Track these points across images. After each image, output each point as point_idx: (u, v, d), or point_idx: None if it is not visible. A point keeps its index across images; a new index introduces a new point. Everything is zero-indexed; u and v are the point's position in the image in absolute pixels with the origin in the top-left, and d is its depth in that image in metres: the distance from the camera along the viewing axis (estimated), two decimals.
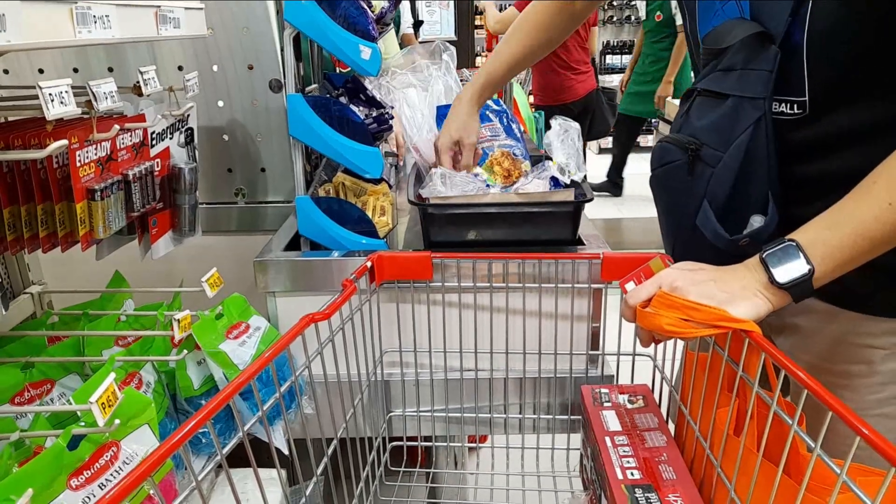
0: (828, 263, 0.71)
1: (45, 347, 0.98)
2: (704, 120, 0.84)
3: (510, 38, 1.28)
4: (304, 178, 1.20)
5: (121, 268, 1.13)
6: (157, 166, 1.03)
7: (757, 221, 0.81)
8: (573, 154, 1.22)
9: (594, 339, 1.13)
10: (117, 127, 0.87)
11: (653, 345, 0.99)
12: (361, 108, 1.27)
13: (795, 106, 0.79)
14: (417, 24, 3.63)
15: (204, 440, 0.96)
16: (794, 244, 0.72)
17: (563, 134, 1.22)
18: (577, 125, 1.27)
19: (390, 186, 1.37)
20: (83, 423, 0.72)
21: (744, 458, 0.71)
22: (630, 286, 0.82)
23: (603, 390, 1.02)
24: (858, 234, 0.70)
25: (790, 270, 0.71)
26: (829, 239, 0.71)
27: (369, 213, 1.23)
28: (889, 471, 0.51)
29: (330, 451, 0.89)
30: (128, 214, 0.94)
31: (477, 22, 6.94)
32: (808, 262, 0.71)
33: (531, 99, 4.46)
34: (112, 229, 0.90)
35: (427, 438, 1.19)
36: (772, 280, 0.72)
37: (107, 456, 0.73)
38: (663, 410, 0.99)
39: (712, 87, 0.84)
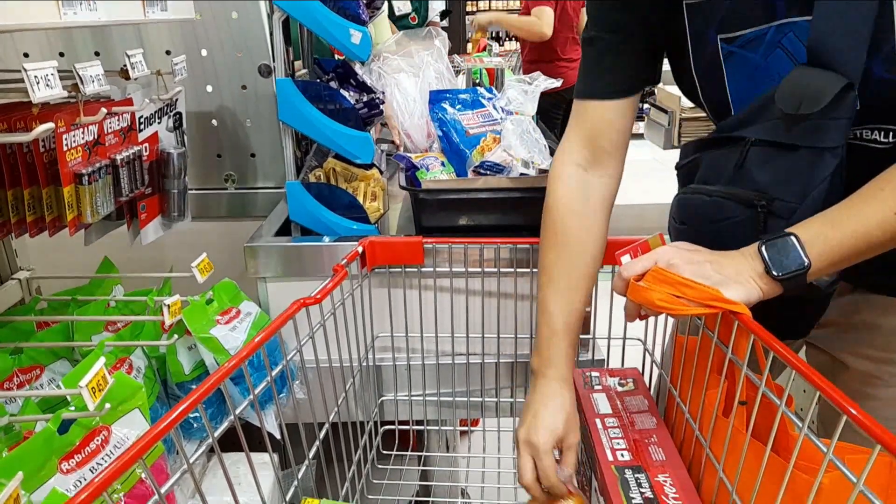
0: (824, 260, 0.71)
1: (33, 333, 0.97)
2: (771, 173, 0.78)
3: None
4: (295, 164, 1.19)
5: (110, 254, 1.13)
6: (146, 151, 1.02)
7: None
8: (535, 146, 1.23)
9: (585, 323, 1.13)
10: (104, 110, 0.86)
11: (643, 328, 1.00)
12: (352, 92, 1.26)
13: (892, 134, 0.76)
14: (445, 13, 3.56)
15: (195, 424, 0.96)
16: (795, 238, 0.72)
17: (519, 131, 1.23)
18: (528, 119, 1.28)
19: (381, 172, 1.37)
20: (73, 408, 0.72)
21: (732, 439, 0.72)
22: (625, 259, 0.82)
23: (593, 374, 1.02)
24: (859, 236, 0.70)
25: (787, 263, 0.71)
26: (829, 237, 0.71)
27: (360, 199, 1.23)
28: (874, 448, 0.52)
29: (322, 434, 0.90)
30: (116, 199, 0.93)
31: (468, 7, 6.90)
32: (806, 256, 0.71)
33: None
34: (100, 214, 0.89)
35: (419, 422, 1.19)
36: (767, 270, 0.72)
37: (97, 440, 0.73)
38: (653, 393, 1.00)
39: (776, 137, 0.77)
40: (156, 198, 1.10)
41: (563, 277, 0.92)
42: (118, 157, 0.93)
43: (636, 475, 0.80)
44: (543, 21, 3.67)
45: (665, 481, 0.79)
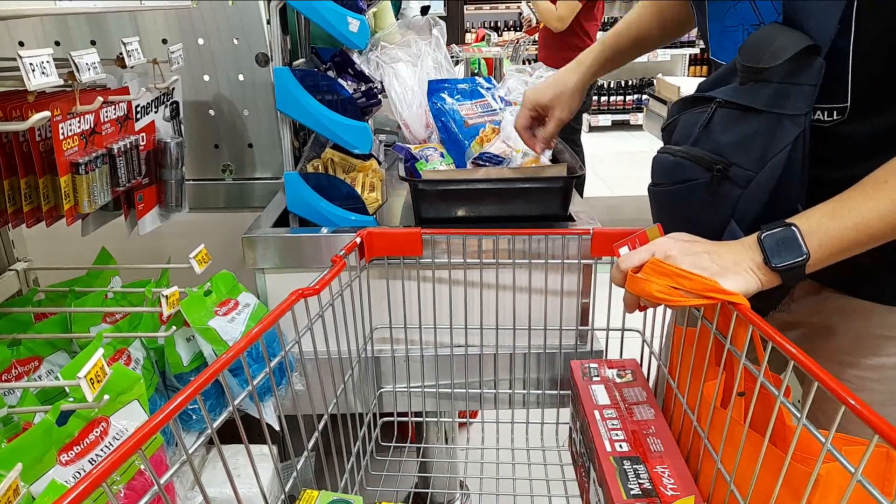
0: (823, 251, 0.71)
1: (31, 324, 0.97)
2: (731, 136, 0.77)
3: (639, 9, 1.13)
4: (293, 154, 1.19)
5: (107, 245, 1.12)
6: (143, 140, 1.01)
7: None
8: None
9: (583, 315, 1.14)
10: (100, 99, 0.85)
11: (641, 320, 1.00)
12: (350, 82, 1.26)
13: (835, 112, 0.75)
14: (424, 9, 3.54)
15: (195, 416, 0.96)
16: (795, 229, 0.71)
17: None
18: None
19: (379, 162, 1.36)
20: (72, 399, 0.72)
21: (730, 430, 0.72)
22: (624, 251, 0.82)
23: (592, 365, 1.02)
24: (860, 228, 0.70)
25: (786, 254, 0.71)
26: (829, 229, 0.71)
27: (358, 189, 1.22)
28: (872, 438, 0.52)
29: (321, 426, 0.90)
30: (113, 189, 0.93)
31: None
32: (806, 248, 0.70)
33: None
34: (97, 204, 0.88)
35: (417, 414, 1.19)
36: (766, 261, 0.71)
37: (96, 431, 0.72)
38: (651, 384, 1.00)
39: (740, 100, 0.76)
40: (153, 188, 1.09)
41: (641, 18, 1.12)
42: (115, 147, 0.92)
43: (634, 466, 0.80)
44: (560, 13, 3.59)
45: (663, 472, 0.79)
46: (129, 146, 0.95)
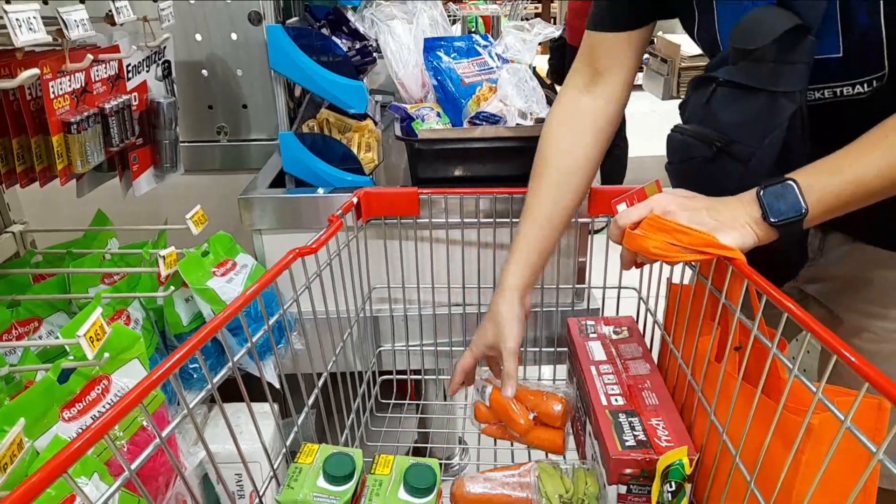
0: (821, 206, 0.71)
1: (29, 286, 0.97)
2: (731, 114, 0.79)
3: (539, 193, 0.97)
4: (287, 114, 1.17)
5: (103, 208, 1.12)
6: (135, 100, 1.00)
7: None
8: (532, 94, 1.20)
9: (580, 273, 1.14)
10: (90, 57, 0.84)
11: (638, 277, 1.00)
12: (344, 40, 1.24)
13: (875, 82, 0.75)
14: None
15: (195, 375, 0.97)
16: (794, 184, 0.71)
17: (514, 79, 1.20)
18: (524, 67, 1.24)
19: (375, 123, 1.35)
20: (72, 358, 0.73)
21: (724, 383, 0.73)
22: (622, 207, 0.82)
23: (589, 322, 1.03)
24: (859, 184, 0.70)
25: (784, 209, 0.71)
26: (827, 184, 0.71)
27: (354, 150, 1.21)
28: (862, 387, 0.52)
29: (320, 383, 0.91)
30: (106, 149, 0.92)
31: None
32: (804, 202, 0.71)
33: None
34: (91, 163, 0.88)
35: (416, 372, 1.21)
36: (764, 216, 0.72)
37: (98, 389, 0.73)
38: (647, 341, 1.01)
39: (738, 78, 0.77)
40: (147, 148, 1.08)
41: (543, 204, 0.96)
42: (107, 106, 0.91)
43: (630, 419, 0.81)
44: None
45: (658, 424, 0.80)
46: (121, 106, 0.94)
